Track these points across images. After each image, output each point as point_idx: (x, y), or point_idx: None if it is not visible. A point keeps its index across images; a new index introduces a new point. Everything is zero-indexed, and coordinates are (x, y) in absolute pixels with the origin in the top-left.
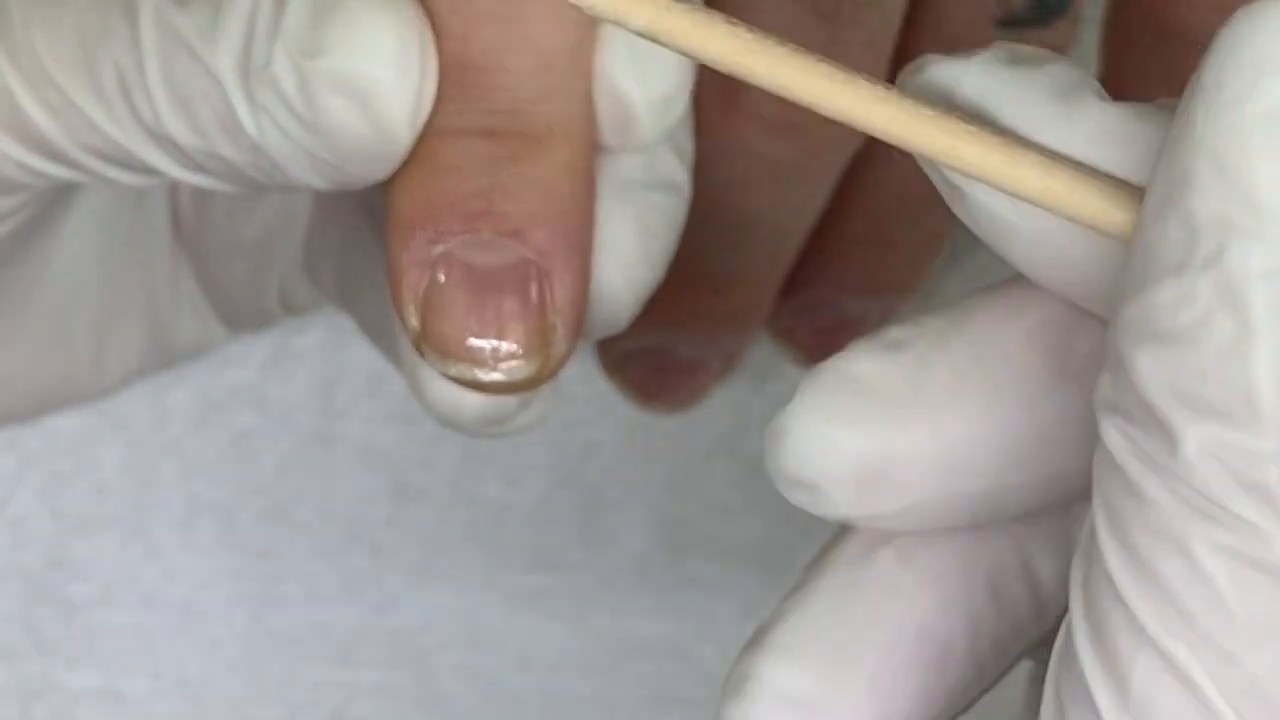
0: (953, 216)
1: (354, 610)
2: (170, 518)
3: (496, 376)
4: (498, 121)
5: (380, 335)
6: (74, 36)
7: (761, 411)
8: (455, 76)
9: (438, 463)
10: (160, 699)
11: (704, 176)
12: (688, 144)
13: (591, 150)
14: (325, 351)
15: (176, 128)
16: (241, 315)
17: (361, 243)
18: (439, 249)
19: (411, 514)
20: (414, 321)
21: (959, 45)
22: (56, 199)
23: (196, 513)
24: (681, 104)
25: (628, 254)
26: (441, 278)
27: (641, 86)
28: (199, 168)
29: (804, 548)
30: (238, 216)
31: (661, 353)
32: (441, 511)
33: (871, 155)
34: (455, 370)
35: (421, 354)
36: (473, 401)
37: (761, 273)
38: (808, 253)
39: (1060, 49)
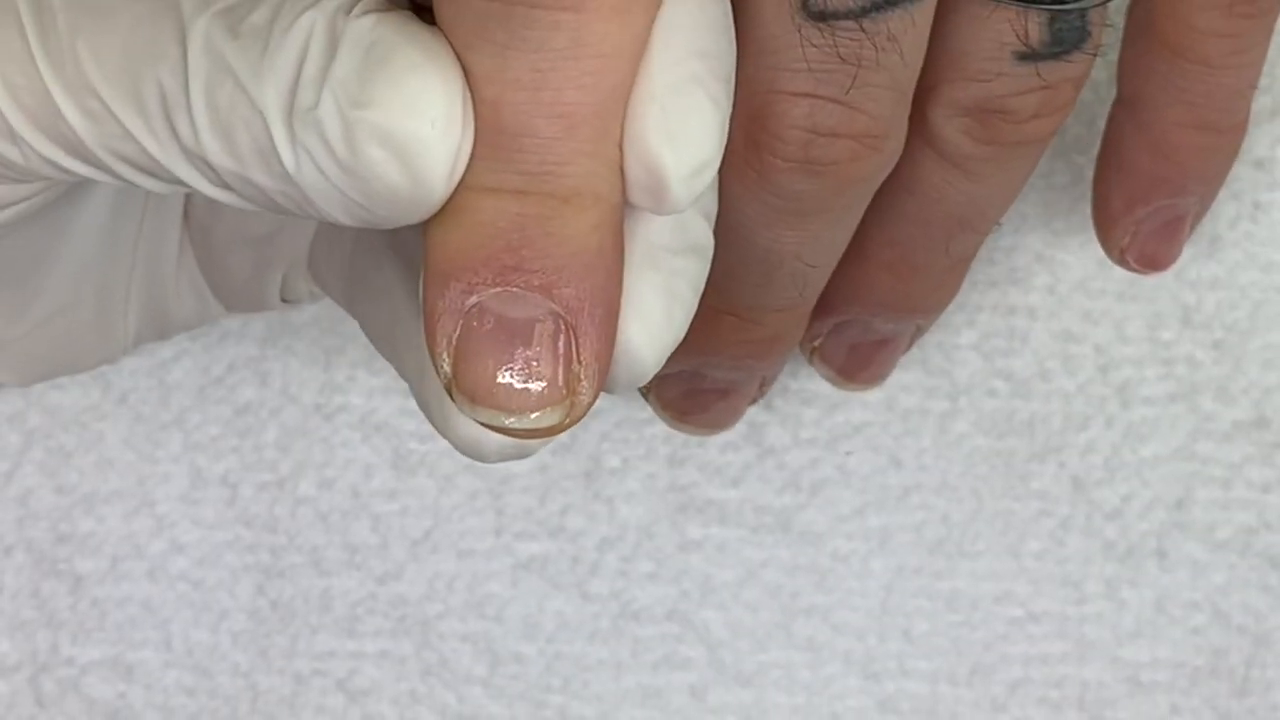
0: (978, 244)
1: (358, 580)
2: (175, 491)
3: (522, 423)
4: (528, 182)
5: (384, 341)
6: (120, 50)
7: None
8: (488, 138)
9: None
10: (167, 670)
11: (731, 213)
12: (714, 206)
13: (620, 211)
14: (325, 325)
15: (214, 150)
16: (240, 301)
17: (371, 250)
18: (472, 300)
19: (414, 484)
20: (446, 367)
21: (980, 76)
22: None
23: (200, 486)
24: (712, 171)
25: (653, 317)
26: (474, 327)
27: (674, 154)
28: (227, 187)
29: (806, 511)
30: (248, 213)
31: (696, 376)
32: (443, 481)
33: (896, 184)
34: (483, 416)
35: (452, 398)
36: (494, 440)
37: (790, 302)
38: (836, 276)
39: (1081, 78)
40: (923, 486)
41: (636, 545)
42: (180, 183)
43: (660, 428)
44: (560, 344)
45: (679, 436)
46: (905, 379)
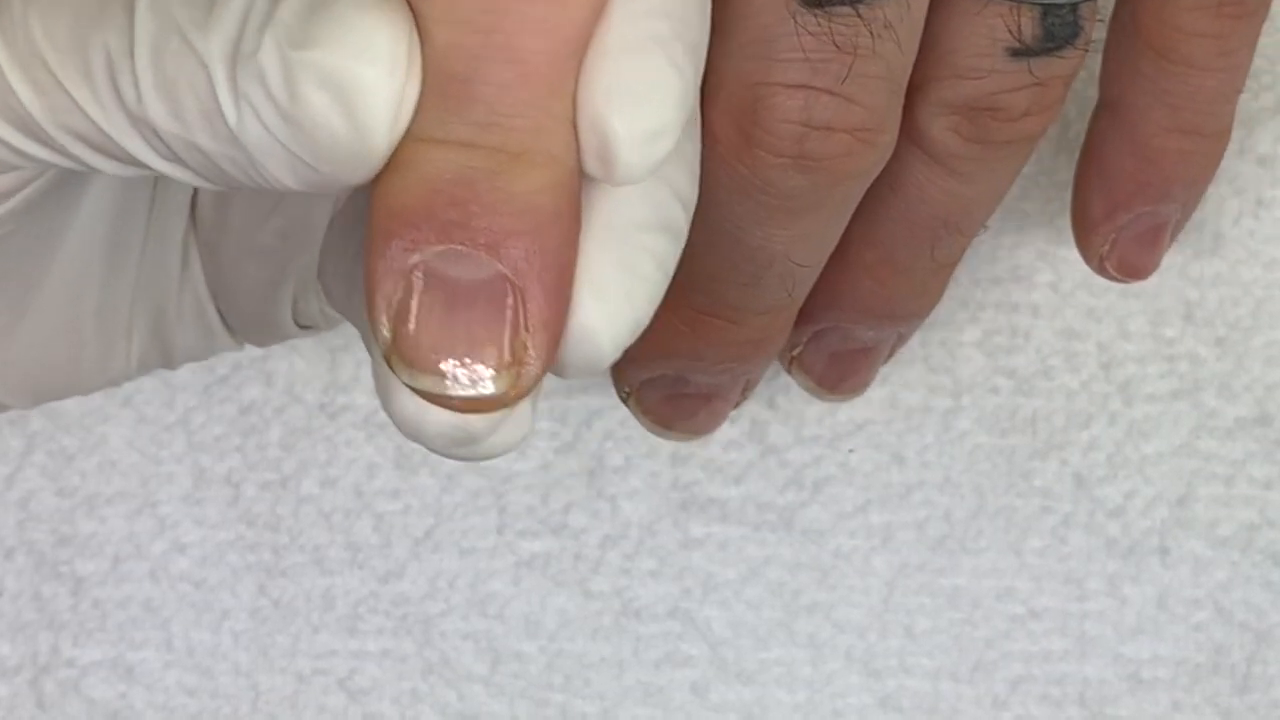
0: (964, 246)
1: (360, 579)
2: (177, 491)
3: (464, 392)
4: (476, 134)
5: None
6: (69, 18)
7: (766, 374)
8: (436, 85)
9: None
10: (169, 671)
11: (720, 209)
12: (688, 188)
13: (577, 177)
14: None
15: (158, 112)
16: (250, 323)
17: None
18: (415, 259)
19: (416, 483)
20: (385, 331)
21: (971, 73)
22: (66, 182)
23: (203, 486)
24: (669, 140)
25: (611, 293)
26: (415, 288)
27: (624, 116)
28: (177, 159)
29: (808, 509)
30: (253, 221)
31: (679, 381)
32: (446, 480)
33: (883, 184)
34: (422, 383)
35: (390, 365)
36: (438, 417)
37: (779, 303)
38: (817, 282)
39: (1071, 76)
40: (925, 484)
41: (639, 543)
42: (132, 160)
43: None
44: (507, 309)
45: None
46: (908, 376)
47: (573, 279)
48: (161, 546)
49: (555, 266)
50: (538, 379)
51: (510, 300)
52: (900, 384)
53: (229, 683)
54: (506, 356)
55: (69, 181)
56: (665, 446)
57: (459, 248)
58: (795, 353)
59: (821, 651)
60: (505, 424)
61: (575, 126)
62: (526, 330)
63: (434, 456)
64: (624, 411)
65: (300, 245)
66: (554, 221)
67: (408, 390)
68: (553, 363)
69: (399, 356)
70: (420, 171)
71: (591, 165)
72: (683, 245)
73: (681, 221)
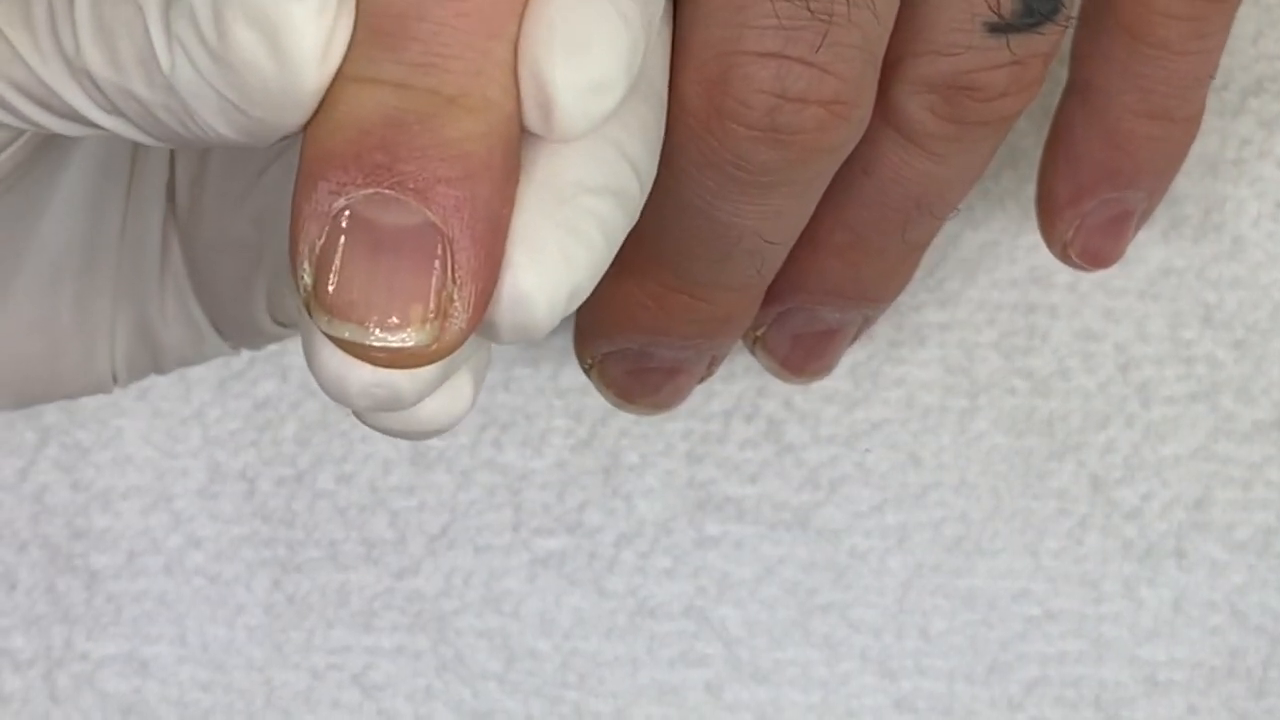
0: (935, 229)
1: (375, 575)
2: (192, 486)
3: (384, 344)
4: (409, 74)
5: None
6: None
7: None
8: (370, 22)
9: (457, 429)
10: (183, 666)
11: (690, 183)
12: (643, 156)
13: (515, 125)
14: None
15: (95, 60)
16: (230, 320)
17: None
18: (340, 203)
19: (432, 479)
20: (307, 278)
21: (949, 49)
22: (38, 164)
23: (218, 480)
24: (613, 95)
25: (547, 253)
26: (339, 232)
27: (565, 66)
28: (116, 110)
29: (824, 509)
30: (227, 207)
31: (642, 355)
32: (461, 477)
33: (855, 164)
34: (340, 332)
35: (309, 312)
36: (361, 374)
37: (747, 281)
38: (786, 260)
39: (1050, 54)
40: (941, 484)
41: (654, 541)
42: (72, 113)
43: (679, 424)
44: (434, 259)
45: (698, 433)
46: (925, 377)
47: (506, 234)
48: (176, 541)
49: (487, 218)
50: (463, 334)
51: (439, 250)
52: (917, 384)
53: (243, 678)
54: (431, 308)
55: (41, 164)
56: (681, 445)
57: (386, 192)
58: (759, 333)
59: (836, 652)
60: (439, 396)
61: (516, 75)
62: (454, 282)
63: (449, 453)
64: None
65: (273, 237)
66: (487, 170)
67: (331, 345)
68: (480, 319)
69: (318, 303)
70: (350, 112)
71: (532, 118)
72: (635, 216)
73: (634, 189)
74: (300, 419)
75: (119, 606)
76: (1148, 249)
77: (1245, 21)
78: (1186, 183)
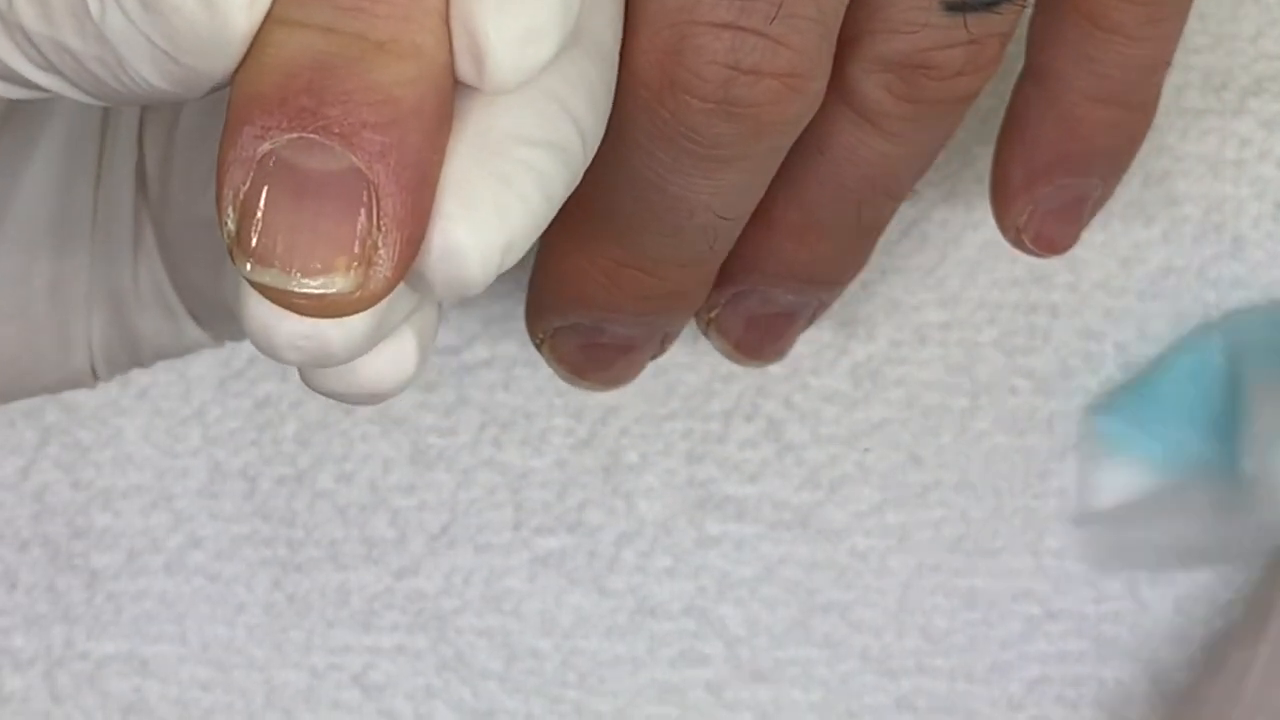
0: (891, 211)
1: (375, 574)
2: (193, 485)
3: (306, 289)
4: (337, 18)
5: None
6: None
7: (780, 371)
8: None
9: (457, 428)
10: (184, 665)
11: (641, 155)
12: (586, 113)
13: (447, 74)
14: None
15: (27, 13)
16: (206, 306)
17: None
18: (264, 147)
19: (432, 478)
20: (231, 224)
21: (905, 27)
22: (4, 145)
23: (219, 480)
24: (547, 45)
25: (480, 204)
26: (264, 177)
27: (497, 16)
28: (51, 66)
29: (824, 508)
30: (195, 185)
31: (594, 330)
32: (462, 476)
33: (809, 143)
34: (263, 277)
35: (233, 259)
36: (289, 326)
37: (699, 256)
38: (737, 242)
39: (1008, 34)
40: (942, 484)
41: (654, 541)
42: (10, 73)
43: (679, 423)
44: (359, 205)
45: (698, 433)
46: (926, 376)
47: (436, 183)
48: (177, 540)
49: (415, 165)
50: (389, 283)
51: (364, 196)
52: (918, 384)
53: (243, 677)
54: (355, 253)
55: (3, 147)
56: (681, 444)
57: (311, 136)
58: (713, 315)
59: (837, 651)
60: (380, 357)
61: (448, 22)
62: (378, 229)
63: (449, 452)
64: (641, 408)
65: None
66: (416, 117)
67: (258, 296)
68: (406, 267)
69: (241, 249)
70: (277, 56)
71: (464, 68)
72: (577, 174)
73: (575, 145)
74: (300, 418)
75: (119, 606)
76: (1148, 249)
77: (1245, 21)
78: (1186, 183)
